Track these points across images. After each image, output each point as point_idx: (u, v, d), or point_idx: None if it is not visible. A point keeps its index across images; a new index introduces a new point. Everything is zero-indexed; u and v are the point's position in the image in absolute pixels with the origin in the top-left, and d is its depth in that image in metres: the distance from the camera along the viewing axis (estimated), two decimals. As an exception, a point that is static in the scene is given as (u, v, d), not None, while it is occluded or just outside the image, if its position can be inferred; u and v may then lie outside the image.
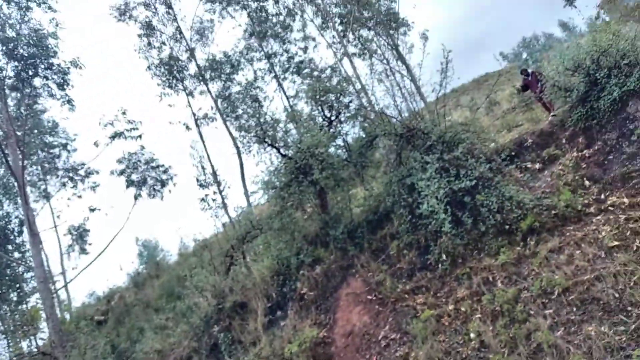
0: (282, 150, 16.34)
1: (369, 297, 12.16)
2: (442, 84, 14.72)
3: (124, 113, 25.86)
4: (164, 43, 28.21)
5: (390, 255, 13.22)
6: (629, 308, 8.34)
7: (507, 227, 11.61)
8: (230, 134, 26.23)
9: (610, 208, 10.79)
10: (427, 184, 12.36)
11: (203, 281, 15.15)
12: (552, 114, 15.36)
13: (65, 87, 22.85)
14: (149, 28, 27.81)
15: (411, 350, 10.22)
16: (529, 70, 16.69)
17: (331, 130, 17.21)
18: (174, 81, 27.68)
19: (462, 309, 10.43)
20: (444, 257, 11.96)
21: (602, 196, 11.34)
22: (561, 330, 8.70)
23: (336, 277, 13.25)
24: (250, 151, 18.59)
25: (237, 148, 25.00)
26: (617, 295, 8.64)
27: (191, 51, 28.48)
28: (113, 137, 25.20)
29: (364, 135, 17.74)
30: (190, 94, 27.90)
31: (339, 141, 17.84)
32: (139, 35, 27.94)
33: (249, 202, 21.95)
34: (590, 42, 14.59)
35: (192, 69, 28.62)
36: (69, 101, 23.25)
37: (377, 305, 11.86)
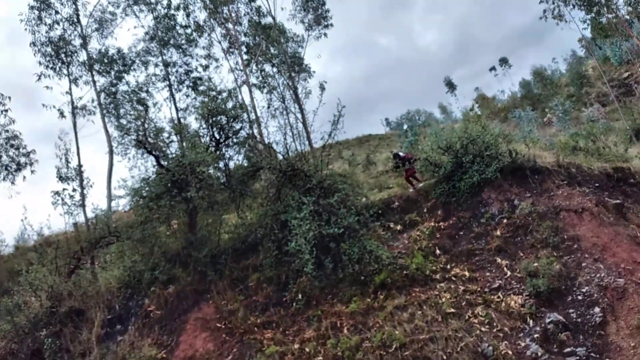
0: (160, 160, 15.75)
1: (218, 324, 11.97)
2: (331, 134, 15.52)
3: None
4: (57, 22, 25.95)
5: (249, 287, 13.23)
6: (454, 370, 9.28)
7: (362, 278, 12.36)
8: (107, 131, 24.54)
9: (453, 278, 12.05)
10: (300, 223, 12.73)
11: (40, 279, 13.66)
12: (418, 185, 16.78)
13: None
14: (44, 2, 25.45)
15: (250, 385, 10.20)
16: (400, 154, 18.14)
17: (216, 152, 17.04)
18: (60, 64, 25.41)
19: (307, 349, 10.73)
20: (300, 296, 12.29)
21: (448, 266, 12.63)
22: (392, 382, 9.35)
23: (189, 299, 12.85)
24: (126, 154, 17.59)
25: (111, 147, 23.48)
26: (445, 357, 9.59)
27: (84, 38, 26.55)
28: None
29: (247, 165, 17.83)
30: (74, 81, 25.77)
31: (221, 164, 17.69)
32: (31, 7, 25.40)
33: (110, 205, 20.52)
34: (463, 129, 16.48)
35: (83, 56, 26.60)
36: None
37: (224, 334, 11.70)
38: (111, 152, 23.21)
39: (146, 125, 16.79)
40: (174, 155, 15.99)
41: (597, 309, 10.21)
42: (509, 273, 11.96)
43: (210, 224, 15.36)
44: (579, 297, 10.71)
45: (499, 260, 12.47)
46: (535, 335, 9.87)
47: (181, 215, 15.14)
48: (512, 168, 15.07)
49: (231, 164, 18.11)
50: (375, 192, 18.28)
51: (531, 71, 57.69)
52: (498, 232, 13.35)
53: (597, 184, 15.03)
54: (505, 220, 13.68)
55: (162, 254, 14.13)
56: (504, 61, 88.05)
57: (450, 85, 78.73)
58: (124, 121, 23.70)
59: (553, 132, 30.94)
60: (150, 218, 14.33)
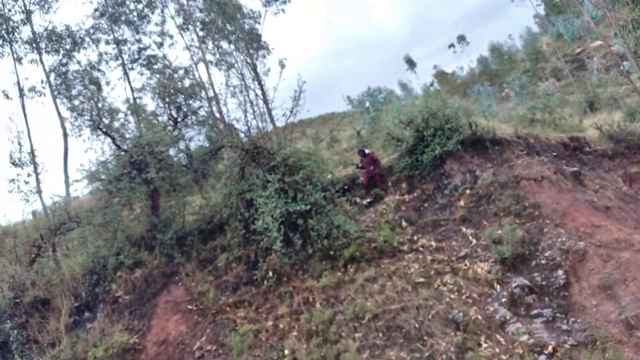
0: (117, 142, 15.20)
1: (189, 306, 11.80)
2: (293, 110, 15.29)
3: None
4: (-6, -3, 24.44)
5: (218, 267, 13.06)
6: (425, 338, 9.51)
7: (331, 252, 12.40)
8: (59, 113, 23.58)
9: (420, 248, 12.26)
10: (266, 201, 12.60)
11: (0, 270, 13.06)
12: (387, 197, 15.25)
13: None
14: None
15: (225, 363, 10.15)
16: (366, 151, 16.40)
17: (175, 132, 16.58)
18: (1, 41, 24.04)
19: (281, 325, 10.74)
20: (270, 274, 12.23)
21: (415, 237, 12.85)
22: (367, 352, 9.50)
23: (157, 283, 12.59)
24: (80, 136, 16.92)
25: (65, 130, 22.58)
26: (417, 325, 9.79)
27: (28, 13, 25.16)
28: None
29: (208, 145, 17.46)
30: (19, 59, 24.47)
31: (181, 145, 17.24)
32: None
33: (68, 191, 19.78)
34: (423, 104, 16.64)
35: (26, 34, 25.24)
36: None
37: (196, 315, 11.55)
38: (65, 135, 22.35)
39: (100, 106, 16.15)
40: (131, 136, 15.46)
41: (560, 272, 10.64)
42: (474, 241, 12.28)
43: (173, 205, 14.98)
44: (543, 262, 11.12)
45: (464, 229, 12.77)
46: (503, 300, 10.21)
47: (143, 198, 14.69)
48: (473, 140, 15.39)
49: (192, 145, 17.69)
50: (340, 168, 18.29)
51: (488, 48, 58.94)
52: (462, 203, 13.64)
53: (554, 153, 15.56)
54: (468, 191, 13.98)
55: (126, 238, 13.69)
56: (461, 39, 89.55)
57: (410, 63, 79.43)
58: (76, 102, 22.70)
59: (511, 105, 31.80)
60: (111, 202, 13.84)
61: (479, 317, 9.77)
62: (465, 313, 9.84)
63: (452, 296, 10.40)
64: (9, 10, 24.61)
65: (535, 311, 9.96)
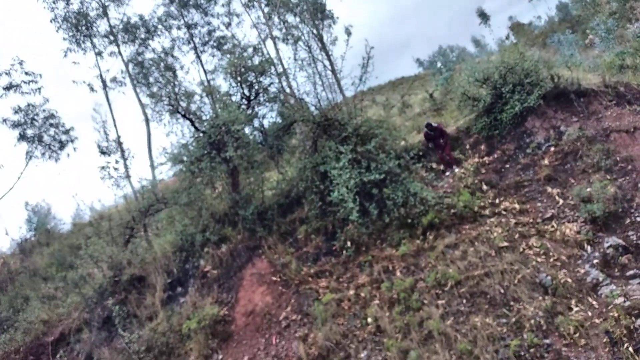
0: (195, 124, 15.82)
1: (273, 278, 12.26)
2: (362, 78, 15.09)
3: (20, 63, 23.43)
4: (73, -4, 25.92)
5: (298, 239, 13.41)
6: (512, 303, 9.24)
7: (409, 220, 12.27)
8: (140, 101, 24.91)
9: (503, 212, 11.82)
10: (340, 173, 12.64)
11: (99, 251, 14.22)
12: (454, 169, 14.70)
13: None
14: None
15: (310, 332, 10.49)
16: (434, 124, 15.42)
17: (249, 110, 16.97)
18: (82, 37, 25.59)
19: (362, 294, 10.88)
20: (348, 244, 12.37)
21: (497, 200, 12.38)
22: (451, 319, 9.41)
23: (242, 256, 13.16)
24: (160, 121, 17.66)
25: (146, 116, 23.84)
26: (502, 291, 9.52)
27: (104, 8, 26.50)
28: (8, 88, 22.69)
29: (281, 120, 17.72)
30: (99, 54, 25.94)
31: (256, 123, 17.65)
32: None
33: (154, 174, 20.99)
34: (499, 59, 15.79)
35: (104, 28, 26.67)
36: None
37: (280, 286, 11.99)
38: (147, 121, 23.59)
39: (177, 90, 16.81)
40: (207, 117, 16.02)
41: (658, 229, 9.86)
42: (561, 201, 11.64)
43: (252, 182, 15.49)
44: (638, 219, 10.35)
45: (549, 189, 12.14)
46: (595, 261, 9.64)
47: (223, 177, 15.29)
48: (556, 94, 14.47)
49: (265, 123, 18.06)
50: (413, 134, 17.91)
51: (568, -8, 54.40)
52: (546, 161, 12.95)
53: (648, 101, 14.25)
54: (552, 148, 13.24)
55: (211, 216, 14.40)
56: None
57: (483, 16, 75.30)
58: (154, 88, 23.79)
59: (596, 53, 29.33)
60: (194, 182, 14.55)
61: (569, 280, 9.31)
62: (553, 276, 9.42)
63: (539, 259, 9.97)
64: (86, 8, 26.05)
65: (631, 272, 9.32)
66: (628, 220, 10.49)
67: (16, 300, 17.61)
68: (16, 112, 23.20)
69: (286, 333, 10.83)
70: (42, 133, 23.64)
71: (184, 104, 16.16)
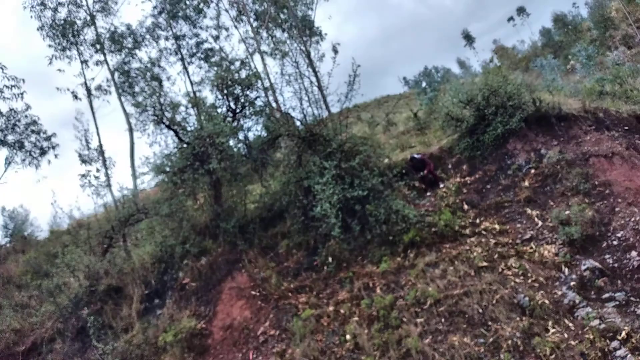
0: (180, 135, 15.76)
1: (253, 292, 12.15)
2: (348, 95, 15.21)
3: (2, 68, 23.18)
4: (60, 4, 25.79)
5: (279, 254, 13.36)
6: (490, 323, 9.28)
7: (391, 238, 12.31)
8: (124, 110, 24.71)
9: (483, 232, 11.94)
10: (323, 188, 12.66)
11: (76, 260, 13.97)
12: (440, 185, 14.95)
13: None
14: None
15: (288, 348, 10.37)
16: (416, 156, 15.55)
17: (234, 122, 16.96)
18: (68, 44, 25.44)
19: (342, 311, 10.83)
20: (330, 259, 12.35)
21: (477, 220, 12.52)
22: (429, 338, 9.40)
23: (222, 270, 13.04)
24: (145, 130, 17.56)
25: (130, 125, 23.64)
26: (480, 310, 9.56)
27: (92, 17, 26.40)
28: (-11, 93, 22.43)
29: (266, 134, 17.74)
30: (84, 62, 25.82)
31: (241, 136, 17.63)
32: (33, -6, 25.22)
33: (136, 184, 20.78)
34: (483, 82, 16.08)
35: (90, 36, 26.54)
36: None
37: (259, 301, 11.88)
38: (131, 130, 23.41)
39: (162, 100, 16.76)
40: (192, 128, 15.97)
41: (634, 253, 10.01)
42: (540, 223, 11.80)
43: (235, 194, 15.44)
44: (614, 242, 10.53)
45: (529, 211, 12.30)
46: (572, 283, 9.74)
47: (206, 188, 15.22)
48: (537, 117, 14.74)
49: (250, 135, 18.05)
50: (397, 152, 18.09)
51: (551, 18, 55.67)
52: (526, 183, 13.14)
53: (626, 127, 14.63)
54: (532, 171, 13.45)
55: (191, 227, 14.28)
56: (521, 10, 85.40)
57: (468, 38, 76.73)
58: (140, 98, 23.69)
59: (577, 78, 30.03)
60: (176, 193, 14.44)
61: (546, 301, 9.39)
62: (531, 297, 9.50)
63: (517, 280, 10.05)
64: (74, 17, 25.92)
65: (606, 295, 9.44)
66: (605, 244, 10.66)
67: (-14, 309, 17.17)
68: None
69: (264, 348, 10.70)
70: (23, 139, 23.37)
71: (169, 115, 16.11)
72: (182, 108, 17.04)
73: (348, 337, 10.08)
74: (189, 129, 16.04)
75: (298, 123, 16.15)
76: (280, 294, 11.90)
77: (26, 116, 23.89)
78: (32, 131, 23.87)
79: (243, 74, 18.68)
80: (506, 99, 14.81)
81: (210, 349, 11.25)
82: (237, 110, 17.24)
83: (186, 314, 12.09)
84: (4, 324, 14.51)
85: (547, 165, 13.24)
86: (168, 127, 15.82)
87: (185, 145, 15.03)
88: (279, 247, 13.59)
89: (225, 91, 17.09)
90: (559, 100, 15.32)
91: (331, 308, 11.02)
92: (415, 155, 15.61)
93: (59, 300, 14.06)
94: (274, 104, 22.04)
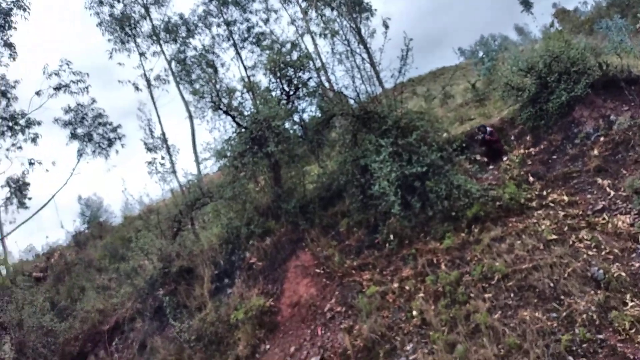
0: (237, 119, 16.10)
1: (317, 270, 12.39)
2: (401, 70, 14.95)
3: (68, 64, 24.45)
4: (117, 0, 26.80)
5: (340, 232, 13.50)
6: (562, 297, 9.01)
7: (453, 213, 12.12)
8: (183, 98, 25.54)
9: (550, 204, 11.53)
10: (380, 166, 12.58)
11: (149, 244, 14.81)
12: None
13: (6, 29, 21.24)
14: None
15: (355, 324, 10.55)
16: (488, 129, 15.38)
17: (289, 105, 17.12)
18: (126, 38, 26.46)
19: (407, 287, 10.86)
20: (391, 237, 12.34)
21: (544, 192, 12.09)
22: (498, 313, 9.27)
23: (286, 249, 13.37)
24: (203, 117, 18.16)
25: (190, 113, 24.39)
26: (552, 284, 9.30)
27: (146, 9, 27.24)
28: (58, 89, 23.82)
29: (320, 114, 17.81)
30: (142, 54, 26.82)
31: (296, 118, 17.78)
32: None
33: (199, 169, 21.55)
34: (544, 48, 15.38)
35: (146, 28, 27.45)
36: (10, 45, 21.64)
37: (324, 278, 12.11)
38: (191, 117, 24.16)
39: (218, 87, 17.14)
40: (248, 113, 16.28)
41: None
42: (612, 193, 11.25)
43: (294, 176, 15.69)
44: (697, 211, 9.92)
45: (599, 180, 11.75)
46: (650, 255, 9.30)
47: (266, 171, 15.55)
48: (604, 82, 13.97)
49: (305, 117, 18.19)
50: (456, 125, 17.69)
51: (617, -26, 51.94)
52: (595, 152, 12.54)
53: None
54: (602, 138, 12.80)
55: (255, 209, 14.70)
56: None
57: (526, 4, 72.87)
58: (197, 85, 24.35)
59: (648, 37, 27.98)
60: (238, 176, 14.84)
61: (623, 273, 9.00)
62: (606, 270, 9.13)
63: (590, 253, 9.68)
64: (130, 10, 26.88)
65: (690, 266, 8.96)
66: (686, 212, 10.06)
67: (73, 290, 18.59)
68: (67, 111, 24.29)
69: (331, 324, 10.94)
70: (91, 132, 24.74)
71: (225, 101, 16.46)
72: (237, 93, 17.36)
73: (415, 313, 10.11)
74: (245, 113, 16.36)
75: (352, 101, 16.08)
76: (343, 271, 12.06)
77: (92, 109, 25.22)
78: (99, 123, 25.23)
79: (294, 55, 18.71)
80: (570, 65, 14.12)
81: (279, 325, 11.63)
82: (291, 93, 17.38)
83: (255, 293, 12.52)
84: (89, 305, 15.70)
85: (618, 132, 12.56)
86: (226, 112, 16.19)
87: (243, 130, 15.35)
88: (339, 225, 13.72)
89: (278, 74, 17.24)
90: (627, 63, 14.42)
91: (395, 285, 11.07)
92: (487, 128, 15.17)
93: (136, 282, 14.98)
94: (326, 84, 22.04)
